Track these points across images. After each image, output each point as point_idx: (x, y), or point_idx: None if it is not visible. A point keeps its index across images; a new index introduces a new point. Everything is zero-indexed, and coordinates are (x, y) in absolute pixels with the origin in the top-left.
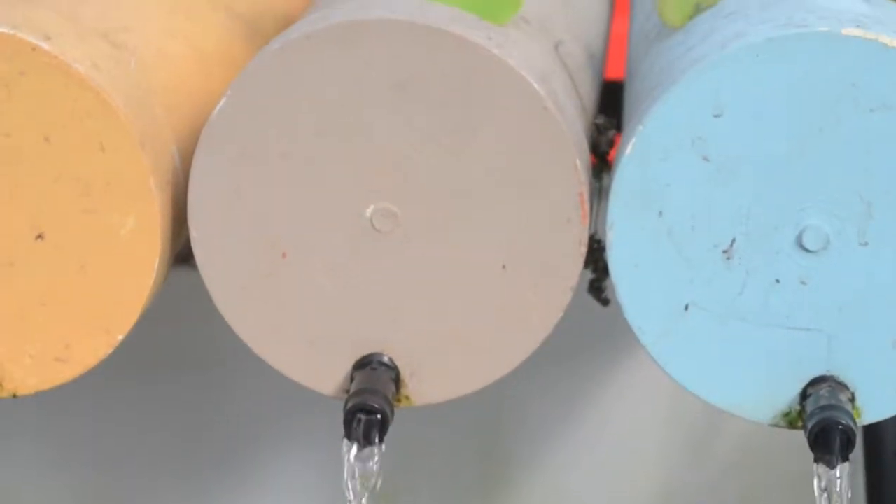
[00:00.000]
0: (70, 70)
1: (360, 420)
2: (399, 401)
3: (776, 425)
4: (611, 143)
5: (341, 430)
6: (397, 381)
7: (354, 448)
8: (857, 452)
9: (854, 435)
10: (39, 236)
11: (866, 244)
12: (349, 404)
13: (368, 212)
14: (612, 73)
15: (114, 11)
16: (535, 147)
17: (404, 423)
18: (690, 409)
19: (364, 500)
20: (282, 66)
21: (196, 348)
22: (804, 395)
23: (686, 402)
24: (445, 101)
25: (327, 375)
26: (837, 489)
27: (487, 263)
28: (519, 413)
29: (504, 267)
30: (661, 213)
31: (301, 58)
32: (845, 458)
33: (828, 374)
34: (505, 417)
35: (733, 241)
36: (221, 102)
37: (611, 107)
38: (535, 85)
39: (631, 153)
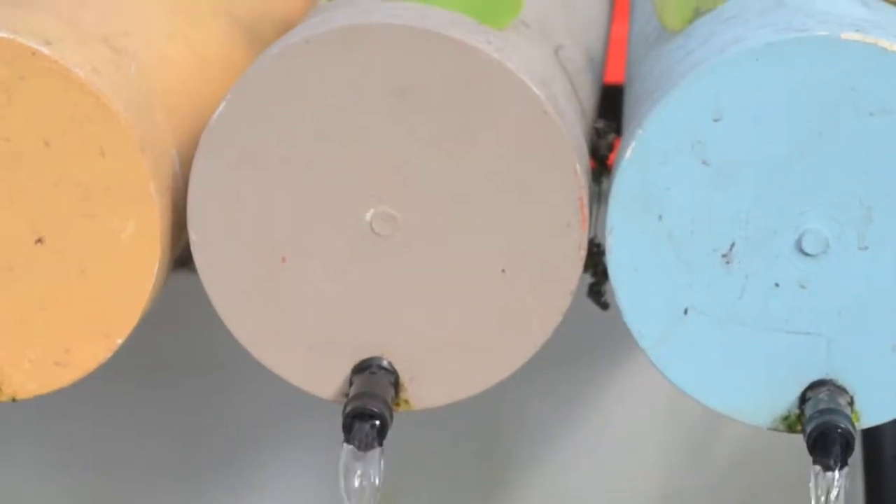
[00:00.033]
0: (70, 75)
1: (359, 424)
2: (398, 405)
3: (775, 429)
4: (610, 147)
5: (341, 434)
6: (396, 384)
7: (354, 452)
8: (856, 456)
9: (853, 439)
10: (39, 241)
11: (866, 248)
12: (348, 408)
13: (368, 216)
14: (612, 77)
15: (114, 16)
16: (534, 151)
17: (404, 426)
18: (689, 412)
19: None
20: (281, 71)
21: (195, 352)
22: (803, 399)
23: (685, 406)
24: (445, 106)
25: (327, 379)
26: (836, 493)
27: (487, 267)
28: (518, 416)
29: (504, 271)
30: (660, 217)
31: (301, 62)
32: (844, 462)
33: (827, 377)
34: (504, 421)
35: (733, 244)
36: (221, 107)
37: (610, 110)
38: (535, 89)
39: (630, 157)
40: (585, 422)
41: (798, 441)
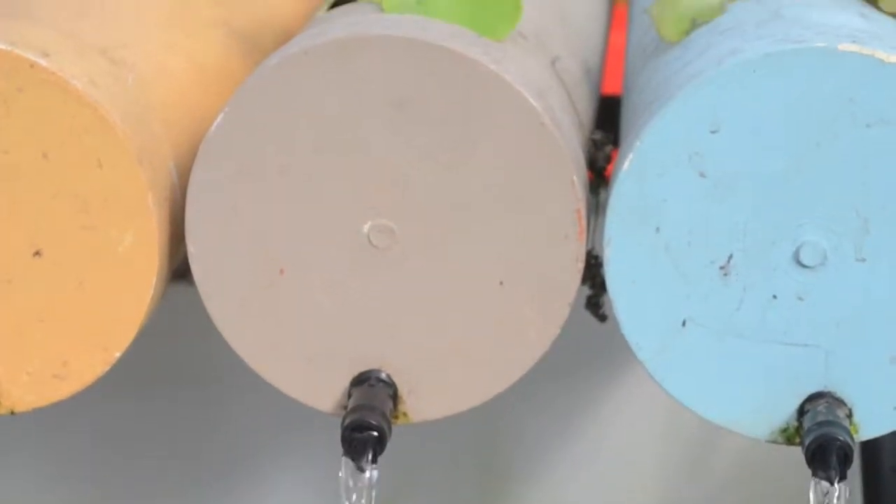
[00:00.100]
0: (68, 86)
1: (357, 437)
2: (397, 417)
3: (774, 441)
4: (608, 159)
5: (339, 447)
6: (395, 397)
7: (352, 465)
8: (855, 468)
9: (851, 451)
10: (37, 253)
11: (863, 260)
12: (347, 421)
13: (366, 228)
14: (609, 88)
15: (112, 28)
16: (532, 163)
17: (402, 438)
18: (688, 424)
19: None
20: (280, 82)
21: (194, 365)
22: (801, 411)
23: (683, 418)
24: (443, 117)
25: (325, 392)
26: None
27: (485, 279)
28: (517, 428)
29: (501, 283)
30: (658, 229)
31: (299, 73)
32: (843, 475)
33: (825, 389)
34: (503, 433)
35: (730, 256)
36: (219, 118)
37: (608, 122)
38: (532, 101)
39: (628, 169)
40: (584, 434)
41: (797, 453)
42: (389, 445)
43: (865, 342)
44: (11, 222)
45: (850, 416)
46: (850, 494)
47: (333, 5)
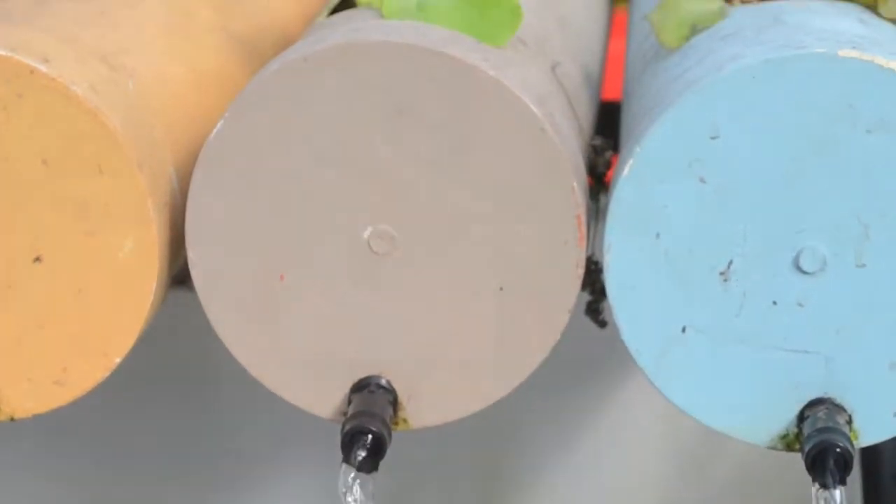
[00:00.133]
0: (68, 92)
1: (357, 443)
2: (397, 423)
3: (774, 448)
4: (608, 165)
5: (339, 453)
6: (395, 404)
7: (352, 471)
8: (855, 475)
9: (851, 458)
10: (37, 259)
11: (863, 266)
12: (347, 427)
13: (366, 234)
14: (609, 94)
15: (112, 34)
16: (532, 169)
17: (402, 444)
18: (688, 430)
19: None
20: (279, 88)
21: (193, 371)
22: (801, 418)
23: (683, 424)
24: (443, 123)
25: (325, 398)
26: None
27: (485, 286)
28: (516, 434)
29: (501, 289)
30: (658, 235)
31: (299, 79)
32: (843, 481)
33: (825, 396)
34: (502, 439)
35: (730, 262)
36: (219, 124)
37: (608, 127)
38: (533, 107)
39: (628, 175)
40: (583, 439)
41: (797, 459)
42: (389, 451)
43: (865, 348)
44: (12, 228)
45: (849, 422)
46: (850, 501)
47: (333, 11)
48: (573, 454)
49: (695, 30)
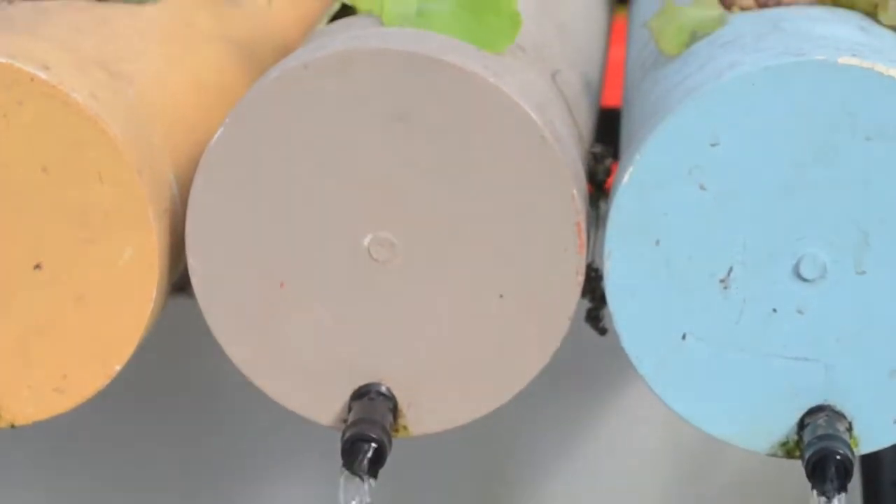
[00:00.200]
0: (68, 99)
1: (357, 450)
2: (397, 431)
3: (774, 455)
4: (608, 172)
5: (339, 461)
6: (395, 411)
7: (352, 478)
8: (855, 482)
9: (852, 465)
10: (37, 266)
11: (863, 273)
12: (347, 434)
13: (366, 241)
14: (609, 101)
15: (112, 41)
16: (532, 176)
17: (403, 451)
18: (688, 437)
19: None
20: (279, 95)
21: (193, 378)
22: (802, 425)
23: (683, 431)
24: (442, 131)
25: (325, 405)
26: None
27: (485, 293)
28: (516, 441)
29: (501, 296)
30: (658, 243)
31: (299, 87)
32: (843, 489)
33: (825, 403)
34: (502, 446)
35: (730, 270)
36: (219, 131)
37: (608, 135)
38: (532, 114)
39: (628, 182)
40: (584, 447)
41: (797, 466)
42: (389, 458)
43: (865, 355)
44: (12, 236)
45: (849, 429)
46: None
47: (333, 18)
48: (573, 461)
49: (694, 37)
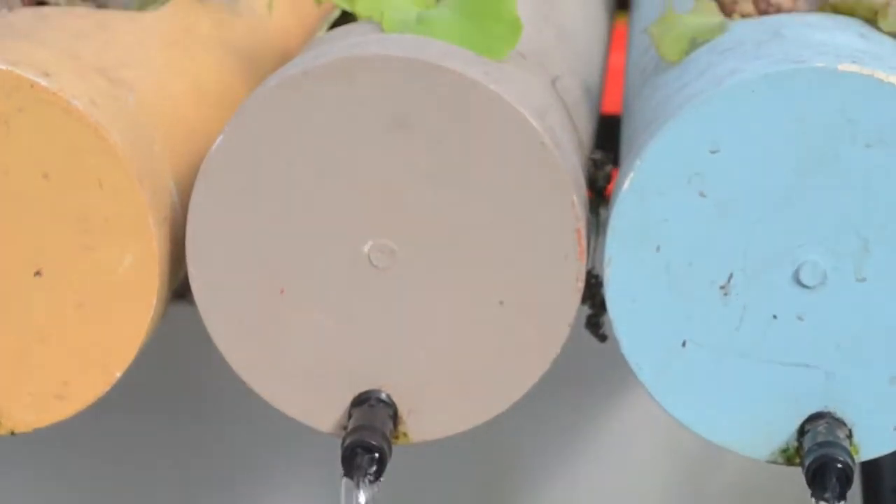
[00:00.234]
0: (69, 106)
1: (357, 457)
2: (397, 437)
3: (774, 462)
4: (608, 178)
5: (339, 468)
6: (395, 418)
7: (352, 485)
8: (856, 489)
9: (852, 472)
10: (37, 273)
11: (864, 280)
12: (347, 441)
13: (366, 248)
14: (609, 108)
15: (112, 48)
16: (532, 183)
17: (403, 457)
18: (688, 444)
19: None
20: (279, 103)
21: (193, 384)
22: (802, 432)
23: (684, 438)
24: (442, 137)
25: (325, 412)
26: None
27: (485, 299)
28: (517, 448)
29: (501, 303)
30: (658, 249)
31: (299, 94)
32: (843, 496)
33: (825, 410)
34: (503, 453)
35: (731, 276)
36: (219, 139)
37: (608, 141)
38: (532, 120)
39: (628, 189)
40: (584, 453)
41: (797, 473)
42: (390, 464)
43: (866, 362)
44: (12, 242)
45: (850, 436)
46: None
47: (333, 25)
48: (573, 468)
49: (694, 44)
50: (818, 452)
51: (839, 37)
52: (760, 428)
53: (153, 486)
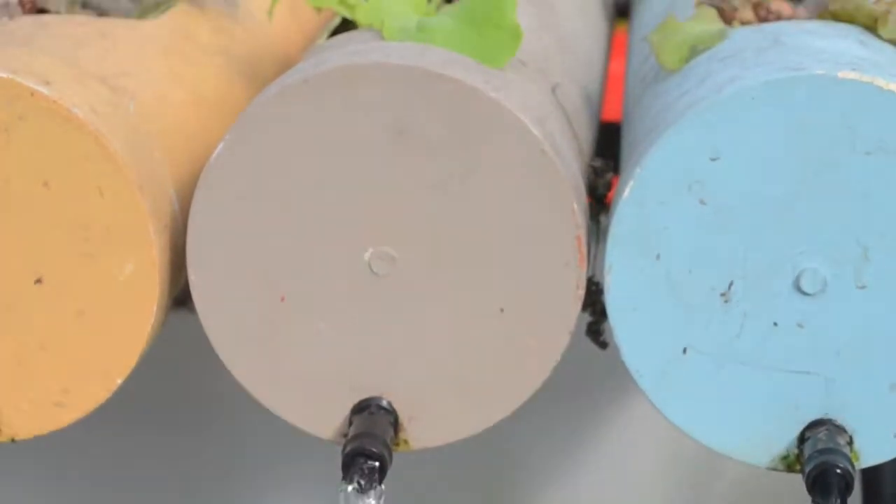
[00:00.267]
0: (69, 114)
1: (358, 464)
2: (397, 445)
3: (774, 469)
4: (608, 186)
5: (340, 475)
6: (396, 425)
7: (353, 492)
8: (856, 496)
9: (852, 479)
10: (38, 281)
11: (864, 287)
12: (348, 449)
13: (367, 255)
14: (609, 115)
15: (112, 56)
16: (532, 190)
17: (404, 464)
18: (689, 450)
19: None
20: (280, 110)
21: (194, 392)
22: (802, 439)
23: (684, 445)
24: (443, 145)
25: (326, 419)
26: None
27: (485, 307)
28: (517, 455)
29: (502, 310)
30: (658, 257)
31: (299, 102)
32: (843, 502)
33: (826, 417)
34: (503, 460)
35: (731, 284)
36: (220, 147)
37: (608, 148)
38: (533, 128)
39: (628, 196)
40: (585, 460)
41: (797, 480)
42: (390, 471)
43: (866, 369)
44: (12, 250)
45: (850, 443)
46: None
47: (334, 33)
48: (574, 475)
49: (694, 51)
50: (818, 459)
51: (839, 44)
52: (761, 435)
53: (153, 493)
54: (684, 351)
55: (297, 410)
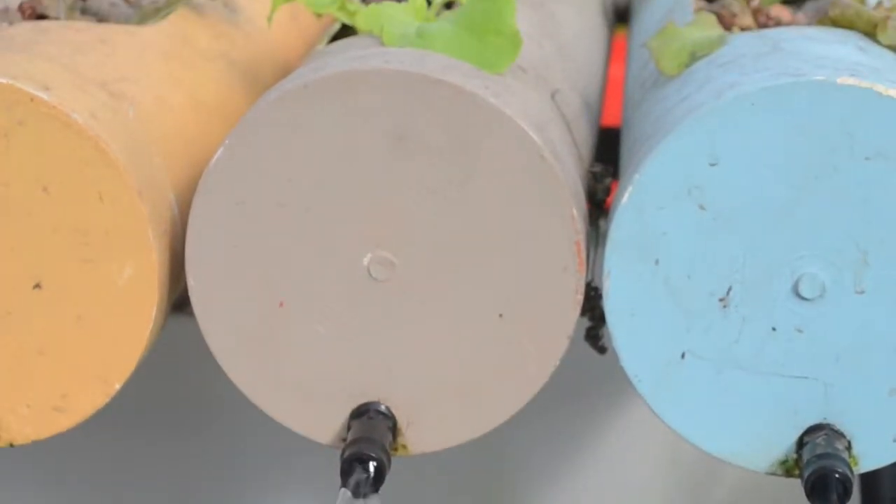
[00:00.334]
0: (69, 120)
1: (357, 469)
2: (396, 449)
3: (773, 473)
4: (607, 191)
5: (338, 479)
6: (394, 430)
7: (351, 497)
8: (854, 500)
9: (851, 483)
10: (37, 286)
11: (862, 292)
12: (346, 453)
13: (366, 261)
14: (609, 121)
15: (112, 61)
16: (531, 196)
17: (402, 468)
18: (687, 455)
19: None
20: (279, 116)
21: (193, 397)
22: (801, 444)
23: (683, 450)
24: (442, 150)
25: (324, 424)
26: None
27: (484, 312)
28: (515, 460)
29: (501, 315)
30: (657, 262)
31: (299, 107)
32: None
33: (824, 422)
34: (502, 465)
35: (730, 289)
36: (219, 152)
37: (607, 154)
38: (532, 134)
39: (627, 202)
40: (583, 465)
41: (796, 484)
42: (389, 476)
43: (864, 374)
44: (12, 255)
45: (849, 448)
46: None
47: (333, 39)
48: (572, 479)
49: (694, 57)
50: (817, 464)
51: (838, 50)
52: (759, 440)
53: (152, 496)
54: (683, 356)
55: (295, 415)
